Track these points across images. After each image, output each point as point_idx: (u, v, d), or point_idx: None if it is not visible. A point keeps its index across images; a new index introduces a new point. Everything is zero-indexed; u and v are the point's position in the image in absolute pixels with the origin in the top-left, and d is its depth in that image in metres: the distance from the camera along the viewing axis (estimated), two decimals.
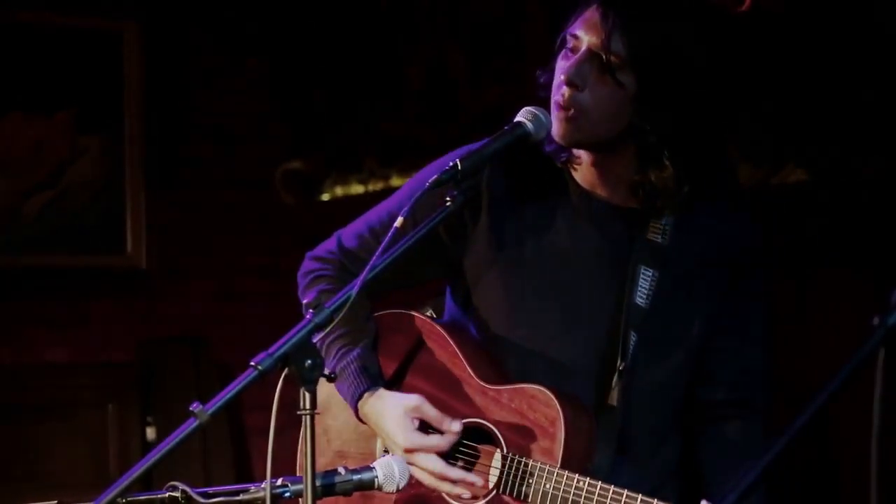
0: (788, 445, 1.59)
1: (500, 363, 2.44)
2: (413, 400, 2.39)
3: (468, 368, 2.43)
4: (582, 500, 2.24)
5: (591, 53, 2.29)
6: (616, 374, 2.39)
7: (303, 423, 1.97)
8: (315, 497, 1.98)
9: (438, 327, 2.51)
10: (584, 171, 2.42)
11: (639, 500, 2.21)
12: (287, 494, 2.05)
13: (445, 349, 2.47)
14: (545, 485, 2.28)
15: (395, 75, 5.76)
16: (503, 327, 2.45)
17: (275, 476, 2.01)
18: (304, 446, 1.97)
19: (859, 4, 3.53)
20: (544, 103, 2.36)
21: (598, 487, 2.24)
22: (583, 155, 2.40)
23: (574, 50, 2.32)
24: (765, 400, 2.49)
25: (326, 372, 2.01)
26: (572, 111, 2.31)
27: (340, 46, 5.97)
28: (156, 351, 5.70)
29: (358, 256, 2.52)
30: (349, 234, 2.58)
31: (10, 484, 5.19)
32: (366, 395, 2.42)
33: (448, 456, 2.39)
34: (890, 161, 3.54)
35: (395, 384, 2.51)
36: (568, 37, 2.34)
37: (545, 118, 2.32)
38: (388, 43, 5.78)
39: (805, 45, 3.62)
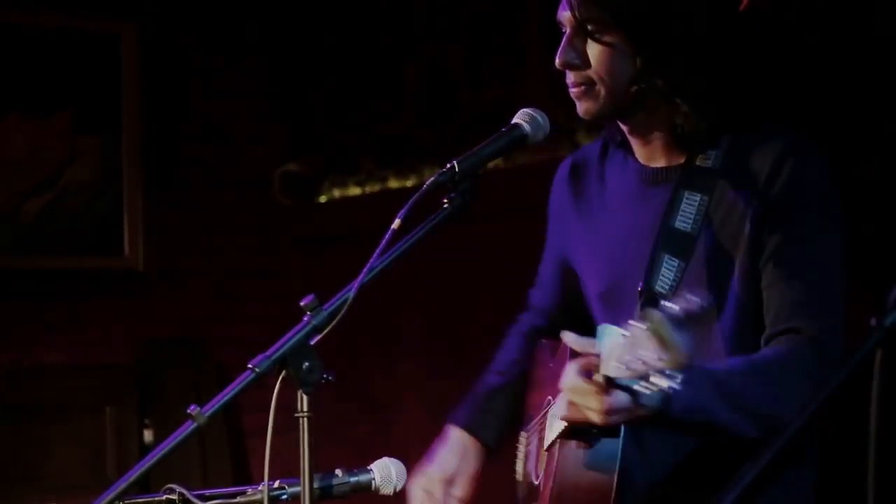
0: (786, 447, 1.59)
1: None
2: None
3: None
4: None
5: (573, 30, 2.34)
6: (641, 298, 2.35)
7: (300, 427, 1.97)
8: (313, 499, 1.98)
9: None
10: (635, 146, 2.46)
11: None
12: (284, 497, 2.05)
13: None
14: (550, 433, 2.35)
15: (393, 76, 5.75)
16: (588, 308, 2.56)
17: (272, 478, 2.01)
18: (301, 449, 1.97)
19: (858, 4, 3.53)
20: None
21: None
22: (624, 130, 2.44)
23: (564, 34, 2.37)
24: (816, 328, 2.25)
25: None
26: (583, 87, 2.35)
27: (339, 47, 5.97)
28: (154, 353, 5.69)
29: (533, 307, 2.80)
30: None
31: (7, 486, 5.18)
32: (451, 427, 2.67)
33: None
34: (890, 161, 3.54)
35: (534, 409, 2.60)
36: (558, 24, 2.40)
37: (543, 120, 2.31)
38: (386, 44, 5.78)
39: (803, 45, 3.62)
